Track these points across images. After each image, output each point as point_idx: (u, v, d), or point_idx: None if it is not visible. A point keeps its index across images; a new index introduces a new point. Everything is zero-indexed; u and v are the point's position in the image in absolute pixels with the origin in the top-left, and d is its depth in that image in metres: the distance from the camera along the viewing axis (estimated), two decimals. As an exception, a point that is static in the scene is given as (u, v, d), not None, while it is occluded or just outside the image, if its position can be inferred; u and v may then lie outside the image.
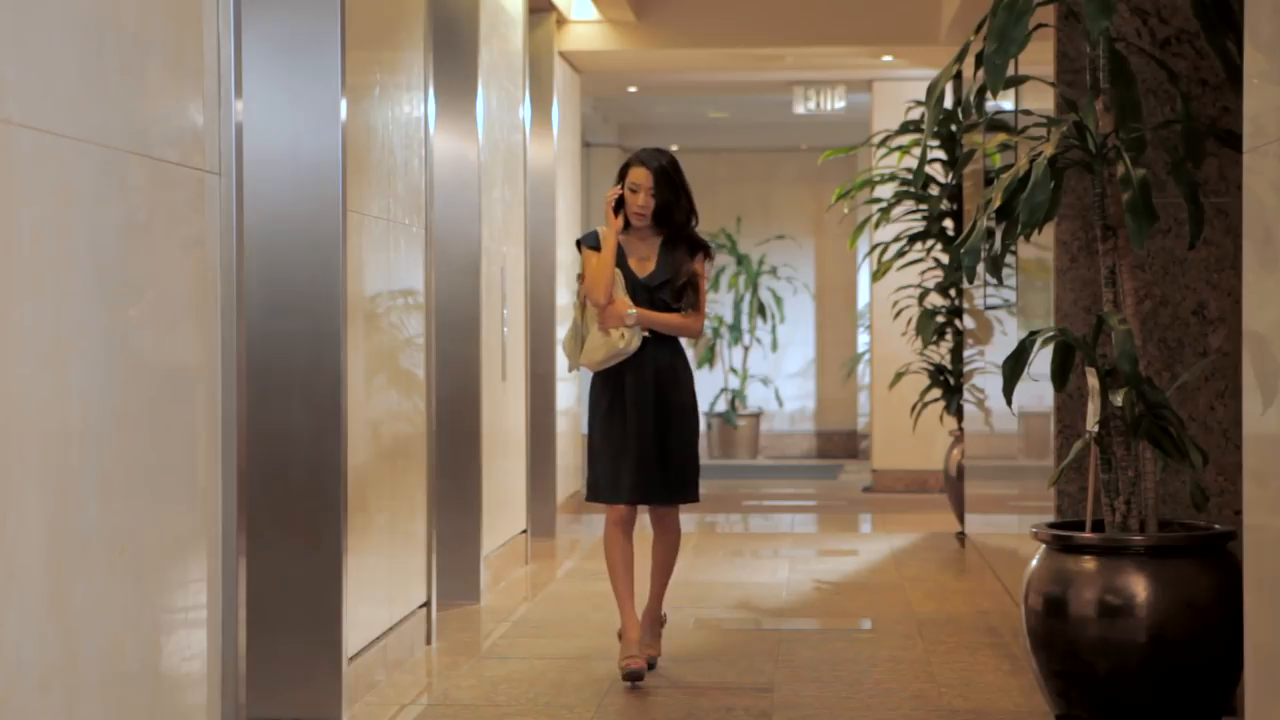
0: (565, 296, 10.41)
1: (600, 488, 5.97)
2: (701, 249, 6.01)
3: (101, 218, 3.40)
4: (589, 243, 5.97)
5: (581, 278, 6.03)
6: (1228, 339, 5.51)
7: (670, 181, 5.97)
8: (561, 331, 9.71)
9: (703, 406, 16.34)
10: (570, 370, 6.12)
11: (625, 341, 5.88)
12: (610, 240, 5.94)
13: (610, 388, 5.97)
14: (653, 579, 6.06)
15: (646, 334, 5.92)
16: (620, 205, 5.98)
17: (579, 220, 11.89)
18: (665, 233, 5.99)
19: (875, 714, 5.30)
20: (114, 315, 3.47)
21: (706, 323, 16.25)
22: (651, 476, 5.90)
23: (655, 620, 6.06)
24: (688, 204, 6.00)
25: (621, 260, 5.96)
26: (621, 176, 6.01)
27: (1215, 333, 5.56)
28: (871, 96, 12.65)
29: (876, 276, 9.85)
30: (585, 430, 6.17)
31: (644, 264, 6.00)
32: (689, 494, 6.02)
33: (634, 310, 5.90)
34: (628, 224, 5.98)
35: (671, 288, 5.97)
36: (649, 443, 5.90)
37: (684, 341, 6.09)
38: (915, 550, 9.28)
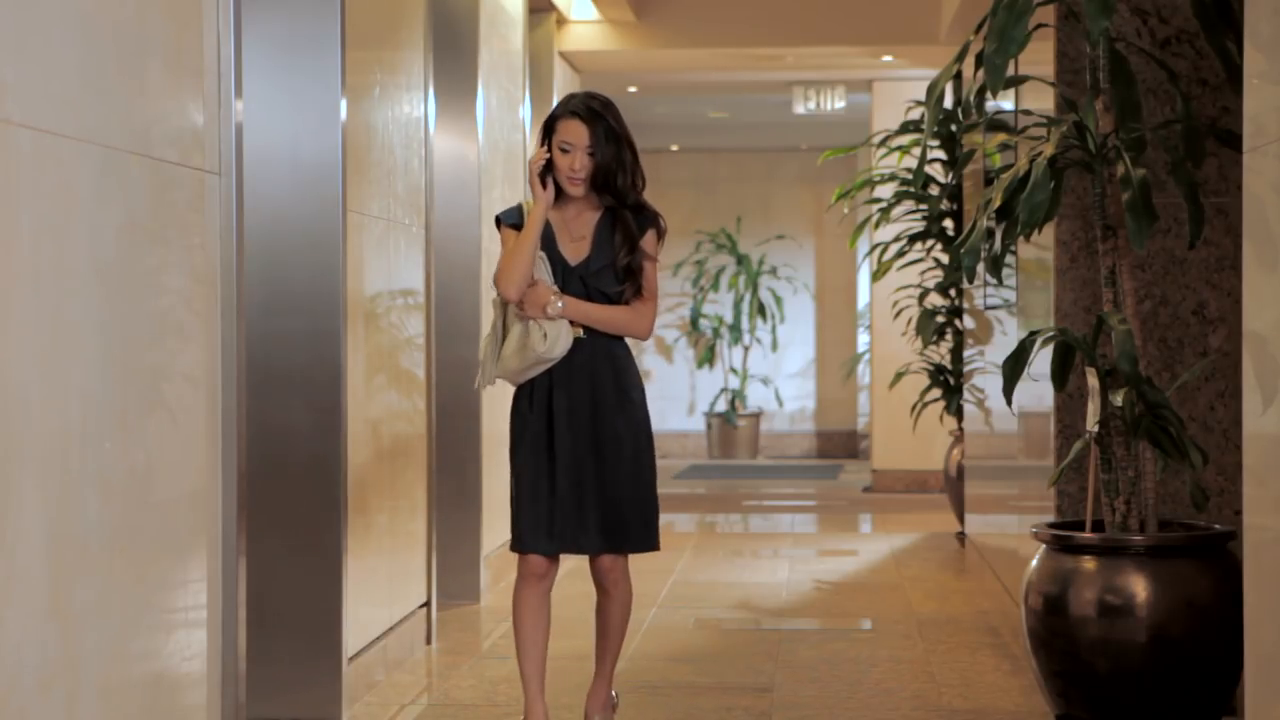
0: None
1: (521, 533, 4.66)
2: (651, 223, 4.68)
3: (101, 218, 3.40)
4: (510, 220, 4.69)
5: None
6: (1228, 339, 5.51)
7: (613, 136, 4.62)
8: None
9: (702, 406, 16.36)
10: (478, 386, 4.79)
11: (547, 343, 4.59)
12: (537, 215, 4.64)
13: (533, 405, 4.69)
14: (598, 651, 4.83)
15: (580, 333, 4.66)
16: (549, 171, 4.69)
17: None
18: (606, 205, 4.68)
19: (875, 714, 5.30)
20: (114, 315, 3.47)
21: (705, 322, 16.28)
22: (583, 519, 4.64)
23: (604, 704, 4.85)
24: (633, 164, 4.65)
25: (550, 242, 4.70)
26: (548, 133, 4.65)
27: (1215, 333, 5.56)
28: (871, 96, 12.65)
29: (876, 276, 9.84)
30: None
31: (579, 245, 4.70)
32: (640, 540, 4.69)
33: (561, 300, 4.63)
34: (560, 194, 4.69)
35: (613, 274, 4.67)
36: (583, 476, 4.63)
37: (631, 344, 4.83)
38: (915, 550, 9.28)
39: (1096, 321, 4.86)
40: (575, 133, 4.60)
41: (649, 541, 4.70)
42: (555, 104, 4.69)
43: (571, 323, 4.64)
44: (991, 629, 6.72)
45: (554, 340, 4.61)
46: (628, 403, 4.69)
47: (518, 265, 4.61)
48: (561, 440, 4.64)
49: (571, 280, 4.66)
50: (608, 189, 4.63)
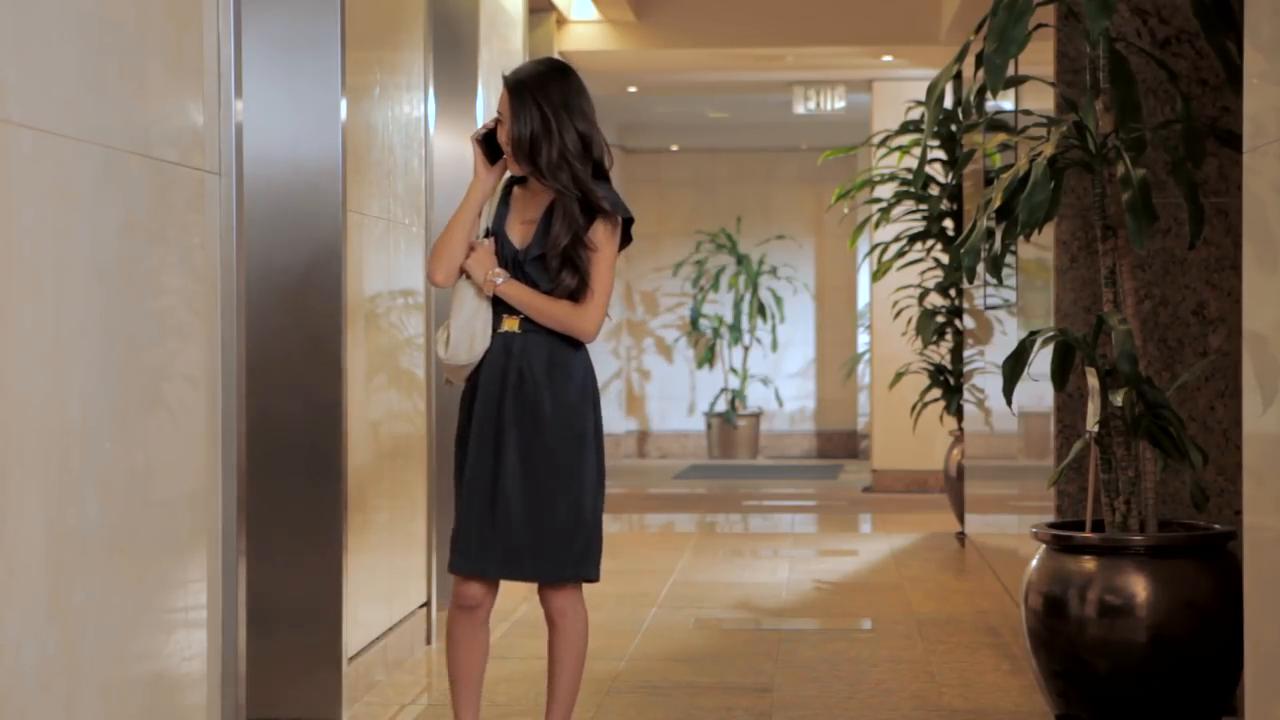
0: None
1: (465, 555, 4.18)
2: (600, 213, 4.13)
3: (101, 218, 3.40)
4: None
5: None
6: (1228, 339, 5.51)
7: (535, 105, 4.12)
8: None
9: (702, 406, 16.35)
10: (446, 384, 4.40)
11: (449, 350, 4.16)
12: (473, 192, 4.23)
13: (465, 406, 4.22)
14: (549, 696, 4.30)
15: (515, 328, 4.17)
16: (495, 146, 4.25)
17: (579, 220, 11.87)
18: (554, 188, 4.16)
19: (875, 714, 5.30)
20: (114, 315, 3.47)
21: (705, 322, 16.27)
22: (517, 541, 4.12)
23: None
24: (578, 140, 4.12)
25: (501, 223, 4.27)
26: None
27: (1215, 333, 5.55)
28: (871, 96, 12.65)
29: (876, 276, 9.84)
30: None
31: (526, 229, 4.23)
32: (577, 567, 4.18)
33: (501, 277, 4.16)
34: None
35: (544, 265, 4.15)
36: (515, 490, 4.12)
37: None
38: (915, 550, 9.28)
39: (1096, 321, 4.86)
40: (503, 102, 4.18)
41: (591, 570, 4.20)
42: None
43: (508, 315, 4.17)
44: (991, 629, 6.72)
45: (457, 345, 4.15)
46: (569, 407, 4.16)
47: (447, 244, 4.19)
48: (483, 446, 4.15)
49: (510, 268, 4.20)
50: (532, 165, 4.13)
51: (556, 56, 4.26)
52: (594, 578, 4.22)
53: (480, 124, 6.97)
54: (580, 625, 4.25)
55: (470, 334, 4.15)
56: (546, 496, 4.13)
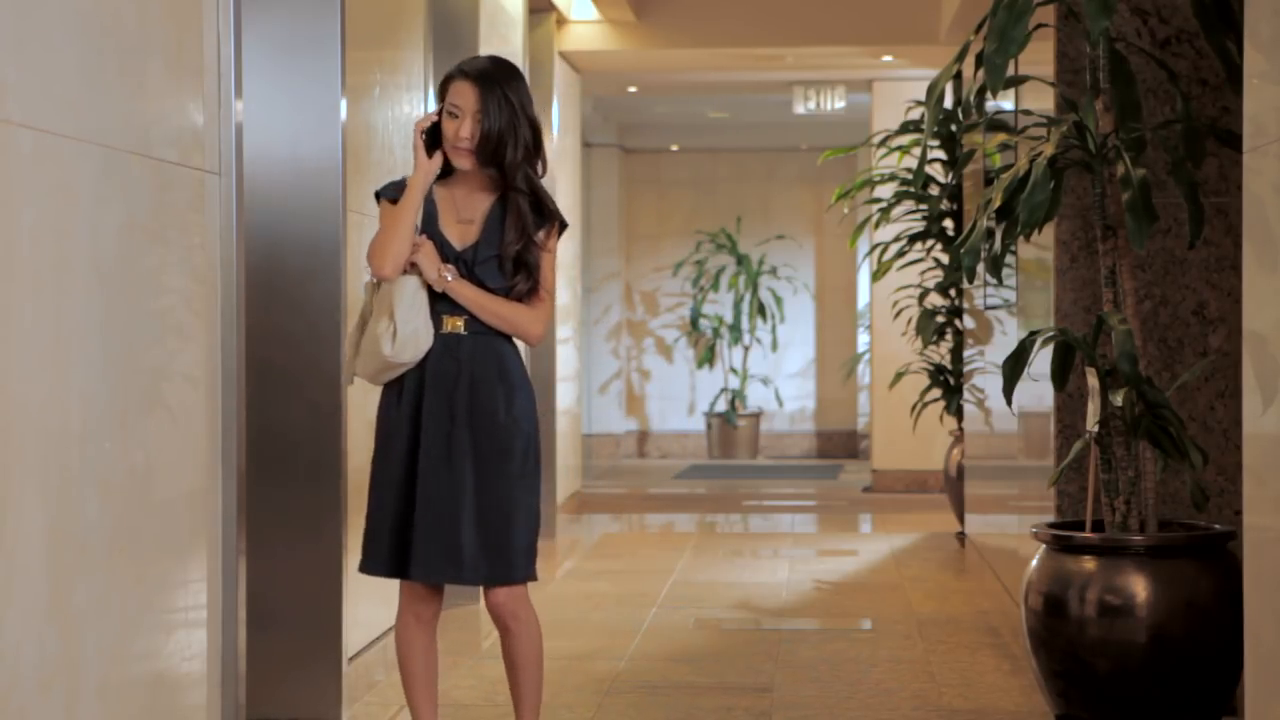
0: (564, 296, 10.40)
1: (380, 556, 4.10)
2: (551, 217, 4.11)
3: (101, 218, 3.40)
4: (389, 194, 4.12)
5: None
6: (1228, 339, 5.51)
7: (505, 101, 4.05)
8: (574, 332, 9.59)
9: (702, 406, 16.35)
10: (348, 382, 4.27)
11: (395, 346, 4.01)
12: (417, 183, 4.09)
13: (403, 406, 4.10)
14: (518, 701, 4.23)
15: (461, 327, 4.08)
16: (437, 138, 4.13)
17: (579, 221, 11.88)
18: (500, 187, 4.12)
19: (875, 714, 5.30)
20: (114, 315, 3.47)
21: (705, 322, 16.27)
22: (465, 543, 4.05)
23: None
24: (532, 143, 4.08)
25: (431, 222, 4.14)
26: (440, 98, 4.12)
27: (1215, 333, 5.55)
28: (871, 96, 12.65)
29: (876, 276, 9.85)
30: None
31: (465, 229, 4.14)
32: (529, 568, 4.12)
33: (450, 273, 4.07)
34: (449, 171, 4.15)
35: (499, 265, 4.09)
36: (466, 494, 4.05)
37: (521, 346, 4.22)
38: (915, 550, 9.28)
39: (1096, 321, 4.86)
40: (464, 95, 4.05)
41: (523, 570, 4.10)
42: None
43: (451, 316, 4.09)
44: (991, 629, 6.72)
45: (402, 343, 4.00)
46: (512, 414, 4.08)
47: (395, 238, 4.01)
48: (431, 451, 4.04)
49: (456, 267, 4.10)
50: (495, 163, 4.06)
51: (501, 56, 4.15)
52: (535, 576, 4.17)
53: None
54: (535, 626, 4.18)
55: (414, 332, 4.02)
56: (502, 500, 4.06)
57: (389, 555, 4.08)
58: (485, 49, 7.58)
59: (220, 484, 4.11)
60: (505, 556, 4.08)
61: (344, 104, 5.12)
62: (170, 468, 3.77)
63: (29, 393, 3.09)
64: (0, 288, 2.98)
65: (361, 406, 5.47)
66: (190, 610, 3.89)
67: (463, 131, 4.04)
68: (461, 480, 4.04)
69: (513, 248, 4.06)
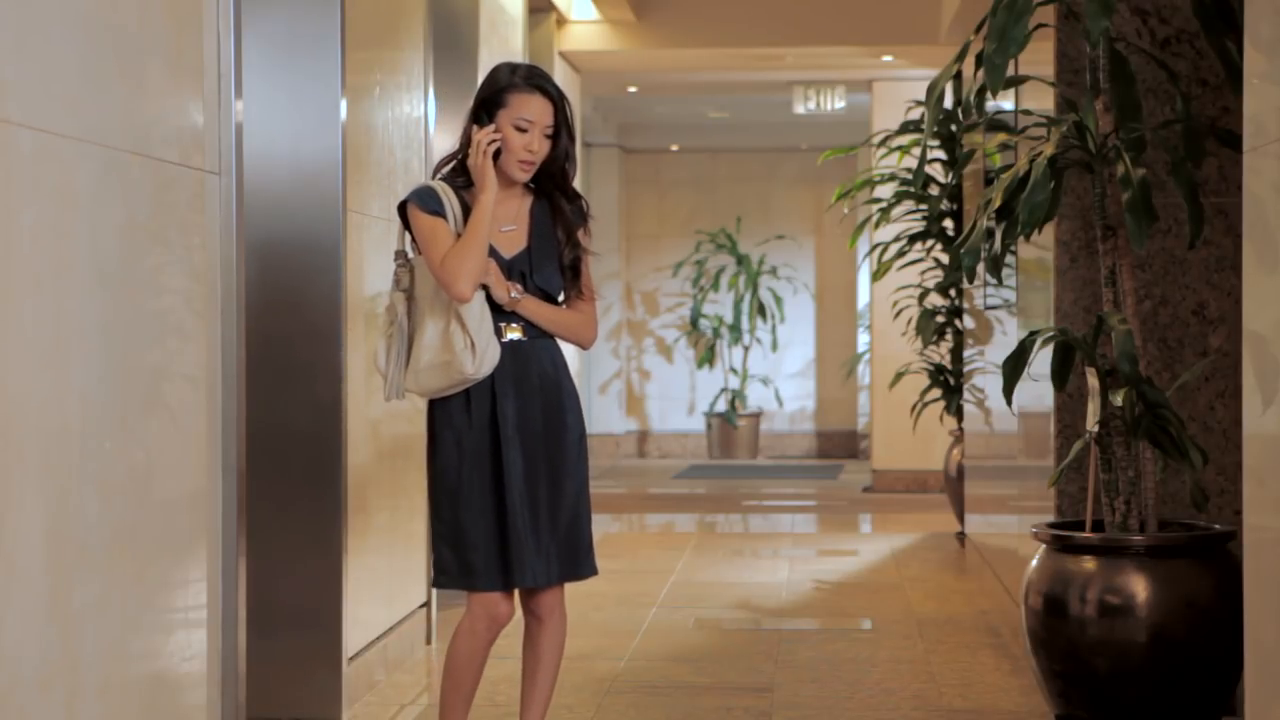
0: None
1: (492, 571, 4.03)
2: (584, 215, 4.12)
3: (101, 218, 3.40)
4: (430, 206, 3.98)
5: (403, 258, 4.06)
6: (1228, 339, 5.51)
7: (568, 120, 4.05)
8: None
9: (702, 406, 16.36)
10: (389, 398, 4.09)
11: (475, 362, 3.95)
12: (487, 205, 3.94)
13: (474, 416, 4.03)
14: (530, 694, 4.21)
15: (519, 334, 4.05)
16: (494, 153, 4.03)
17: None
18: (536, 191, 4.11)
19: (875, 714, 5.30)
20: (114, 315, 3.47)
21: (705, 322, 16.28)
22: (545, 545, 4.04)
23: None
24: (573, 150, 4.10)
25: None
26: (495, 105, 4.02)
27: (1215, 333, 5.56)
28: (871, 96, 12.65)
29: (876, 276, 9.84)
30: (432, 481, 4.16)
31: (511, 238, 4.07)
32: (588, 564, 4.14)
33: (517, 290, 4.03)
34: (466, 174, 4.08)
35: (559, 271, 4.09)
36: (536, 497, 4.04)
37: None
38: (915, 550, 9.28)
39: (1096, 321, 4.86)
40: (538, 110, 3.99)
41: (593, 565, 4.14)
42: (492, 78, 4.09)
43: (507, 324, 4.04)
44: (991, 629, 6.72)
45: (482, 357, 3.94)
46: (573, 412, 4.10)
47: (473, 259, 3.90)
48: (512, 458, 4.01)
49: (510, 276, 4.04)
50: (552, 179, 4.06)
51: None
52: (597, 571, 4.20)
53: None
54: (564, 621, 4.19)
55: (488, 345, 3.96)
56: (572, 497, 4.08)
57: (499, 568, 4.03)
58: (485, 49, 7.58)
59: (220, 484, 4.12)
60: (577, 553, 4.10)
61: (344, 104, 5.12)
62: (170, 468, 3.77)
63: (29, 393, 3.09)
64: (0, 288, 2.98)
65: (361, 406, 5.47)
66: (190, 610, 3.89)
67: (533, 146, 4.00)
68: (539, 481, 4.04)
69: (571, 253, 4.07)
